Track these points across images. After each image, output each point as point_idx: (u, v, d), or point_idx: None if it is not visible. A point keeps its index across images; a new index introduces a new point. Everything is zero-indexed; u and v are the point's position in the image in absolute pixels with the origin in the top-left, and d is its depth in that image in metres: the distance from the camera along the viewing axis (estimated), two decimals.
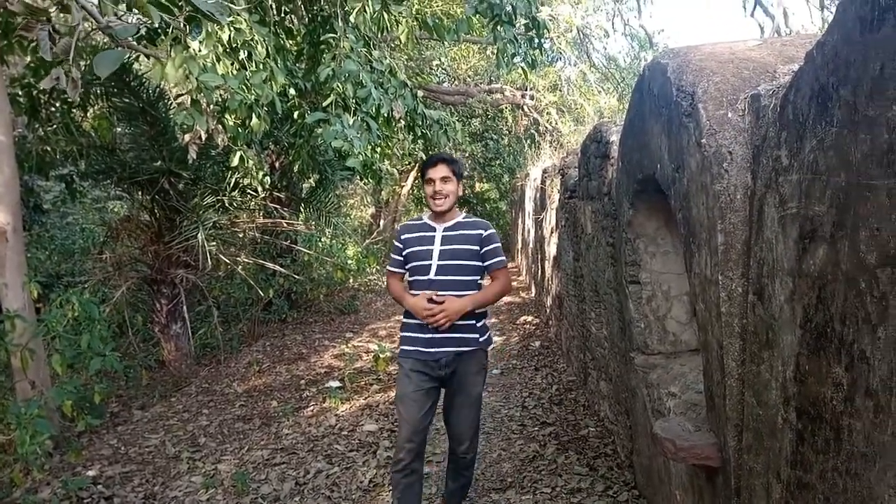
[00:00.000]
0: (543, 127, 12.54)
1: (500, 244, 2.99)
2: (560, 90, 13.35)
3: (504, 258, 2.99)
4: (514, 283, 11.36)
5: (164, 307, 6.75)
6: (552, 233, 7.00)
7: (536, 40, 5.21)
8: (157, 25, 2.75)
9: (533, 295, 9.60)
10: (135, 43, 3.66)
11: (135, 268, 6.92)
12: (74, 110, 5.86)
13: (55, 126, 5.80)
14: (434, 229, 2.96)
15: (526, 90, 12.58)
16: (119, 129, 6.90)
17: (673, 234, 3.02)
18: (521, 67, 5.59)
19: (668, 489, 2.70)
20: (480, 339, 2.95)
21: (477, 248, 2.91)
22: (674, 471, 2.58)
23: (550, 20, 10.14)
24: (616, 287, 3.56)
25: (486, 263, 2.94)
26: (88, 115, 6.54)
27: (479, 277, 2.96)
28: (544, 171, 7.84)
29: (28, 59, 5.13)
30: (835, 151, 1.32)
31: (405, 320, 3.01)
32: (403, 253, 3.01)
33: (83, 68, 4.50)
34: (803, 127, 1.46)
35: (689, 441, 2.02)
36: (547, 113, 12.50)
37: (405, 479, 2.86)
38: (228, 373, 6.72)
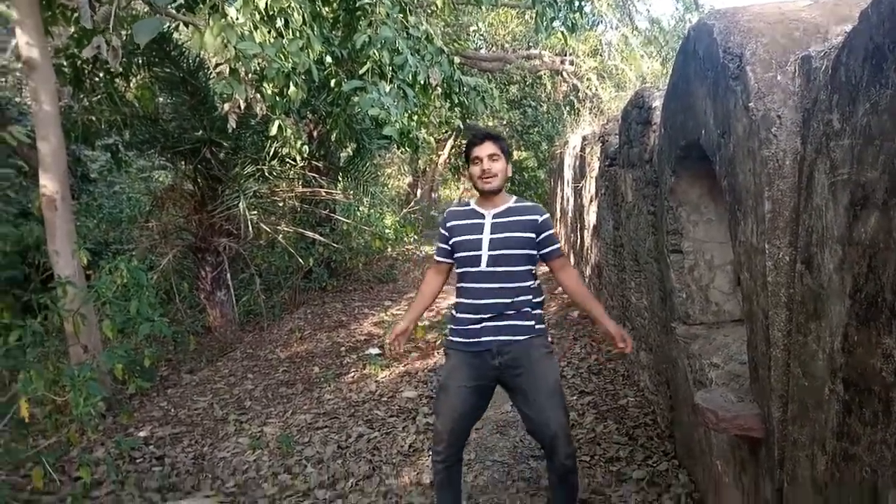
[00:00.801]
0: (583, 93, 12.26)
1: (555, 230, 2.71)
2: (601, 55, 13.01)
3: (561, 245, 2.76)
4: None
5: (208, 275, 6.93)
6: (591, 201, 6.90)
7: (576, 3, 5.07)
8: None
9: (572, 264, 9.51)
10: (174, 11, 3.69)
11: (180, 236, 7.10)
12: (117, 80, 5.98)
13: (99, 96, 5.93)
14: (483, 216, 2.68)
15: (565, 55, 12.30)
16: (161, 99, 7.02)
17: (717, 202, 2.94)
18: (561, 31, 5.44)
19: (709, 460, 2.68)
20: (537, 326, 2.64)
21: (532, 235, 2.63)
22: (715, 441, 2.56)
23: None
24: (657, 256, 3.49)
25: (544, 251, 2.67)
26: (131, 85, 6.67)
27: (533, 267, 2.69)
28: (584, 139, 7.69)
29: (72, 29, 5.24)
30: (889, 115, 1.26)
31: (456, 314, 2.71)
32: (450, 241, 2.72)
33: (124, 37, 4.57)
34: (856, 90, 1.39)
35: (732, 412, 1.99)
36: (587, 79, 12.21)
37: (444, 469, 2.69)
38: (271, 339, 6.89)
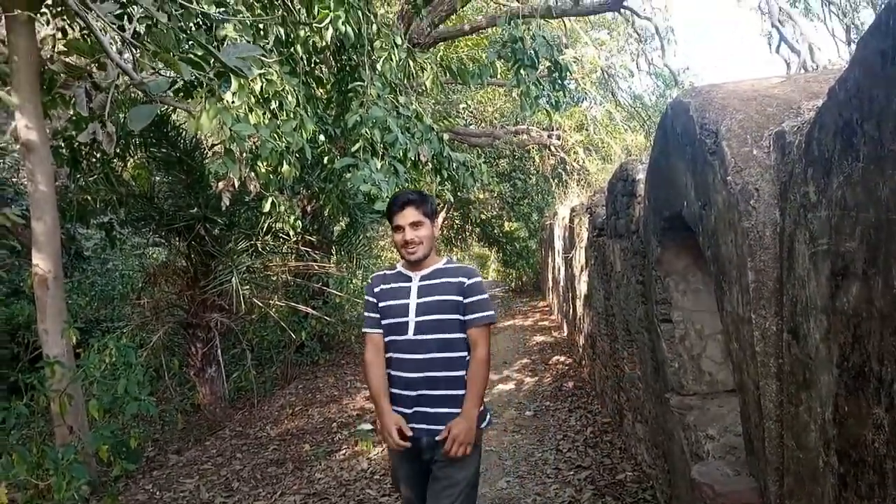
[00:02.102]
0: (570, 166, 12.58)
1: (486, 296, 2.46)
2: (586, 129, 13.43)
3: (491, 314, 2.44)
4: (546, 323, 11.25)
5: (199, 350, 6.85)
6: (582, 271, 6.95)
7: (559, 82, 5.29)
8: (189, 80, 2.87)
9: (565, 334, 9.49)
10: (171, 95, 3.83)
11: (171, 312, 7.06)
12: (114, 161, 6.09)
13: (96, 176, 6.03)
14: (409, 279, 2.50)
15: (552, 130, 12.69)
16: (157, 178, 7.14)
17: (703, 272, 2.98)
18: (546, 109, 5.66)
19: None
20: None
21: (459, 298, 2.41)
22: None
23: (574, 62, 10.29)
24: (648, 326, 3.50)
25: (465, 318, 2.40)
26: (128, 164, 6.80)
27: (464, 335, 2.44)
28: (572, 210, 7.83)
29: (70, 112, 5.39)
30: (862, 187, 1.31)
31: (391, 389, 2.49)
32: (379, 307, 2.52)
33: (121, 121, 4.70)
34: (829, 163, 1.45)
35: (729, 486, 1.96)
36: (574, 152, 12.56)
37: None
38: (262, 416, 6.74)
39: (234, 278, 6.38)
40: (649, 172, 3.07)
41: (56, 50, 4.95)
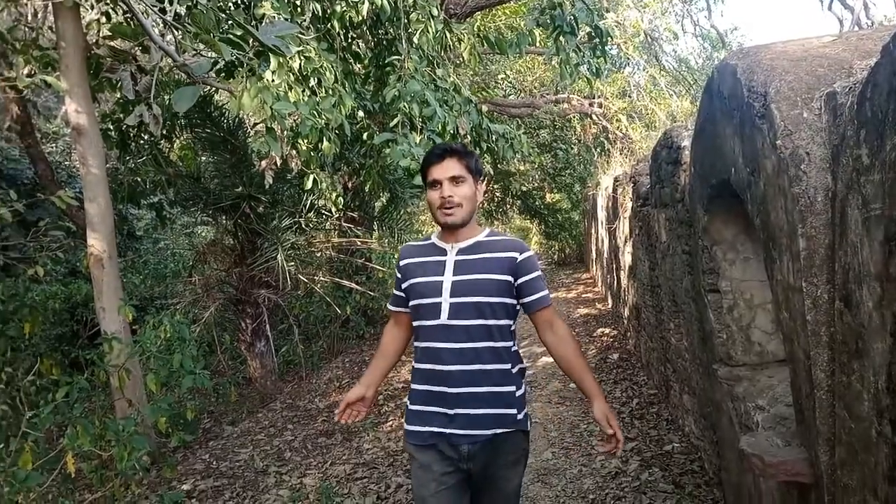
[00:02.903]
0: (613, 134, 12.31)
1: (541, 273, 2.08)
2: (629, 96, 13.08)
3: (548, 293, 2.09)
4: (589, 295, 11.16)
5: (248, 326, 7.04)
6: (626, 242, 6.85)
7: (601, 48, 5.15)
8: (229, 60, 2.91)
9: (609, 306, 9.40)
10: (213, 75, 3.88)
11: (221, 289, 7.26)
12: (161, 142, 6.25)
13: (144, 158, 6.20)
14: (445, 252, 2.09)
15: (594, 98, 12.41)
16: (203, 158, 7.30)
17: (753, 240, 2.90)
18: (587, 77, 5.53)
19: None
20: (519, 417, 2.04)
21: (508, 278, 2.01)
22: (764, 488, 2.46)
23: (616, 26, 9.99)
24: (694, 296, 3.44)
25: (526, 299, 2.05)
26: (175, 146, 6.96)
27: (511, 323, 2.06)
28: (615, 180, 7.69)
29: (117, 95, 5.54)
30: None
31: (413, 385, 2.12)
32: (404, 285, 2.14)
33: (166, 103, 4.80)
34: (883, 124, 1.38)
35: (779, 457, 1.93)
36: (616, 120, 12.26)
37: None
38: (310, 388, 6.92)
39: (279, 255, 6.50)
40: (695, 139, 2.99)
41: (101, 35, 5.07)
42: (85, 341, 6.26)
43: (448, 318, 2.00)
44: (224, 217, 7.18)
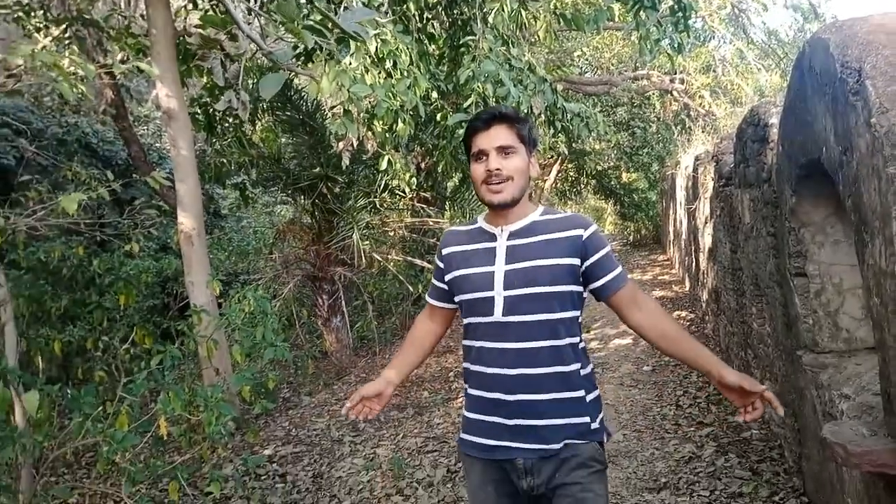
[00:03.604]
0: (695, 111, 11.83)
1: (610, 248, 1.78)
2: (713, 71, 12.51)
3: (623, 269, 1.78)
4: (666, 277, 10.86)
5: (325, 302, 7.29)
6: (706, 223, 6.62)
7: (683, 23, 4.96)
8: (311, 47, 3.00)
9: (687, 289, 9.13)
10: (295, 61, 4.01)
11: (299, 266, 7.54)
12: (245, 125, 6.51)
13: (229, 140, 6.48)
14: (494, 237, 1.78)
15: (675, 74, 11.94)
16: (283, 140, 7.56)
17: (844, 222, 2.76)
18: (668, 52, 5.33)
19: (841, 498, 2.48)
20: (593, 425, 1.73)
21: (573, 261, 1.71)
22: (847, 478, 2.37)
23: None
24: (779, 280, 3.31)
25: (598, 283, 1.74)
26: (256, 128, 7.24)
27: (578, 314, 1.76)
28: (696, 158, 7.42)
29: (203, 80, 5.80)
30: None
31: (468, 389, 1.85)
32: (447, 277, 1.85)
33: (249, 87, 5.00)
34: None
35: (864, 446, 1.85)
36: (699, 96, 11.77)
37: None
38: (383, 363, 7.11)
39: (354, 234, 6.68)
40: (784, 116, 2.85)
41: (189, 23, 5.33)
42: (175, 313, 6.65)
43: (503, 315, 1.70)
44: (302, 197, 7.43)
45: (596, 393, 1.79)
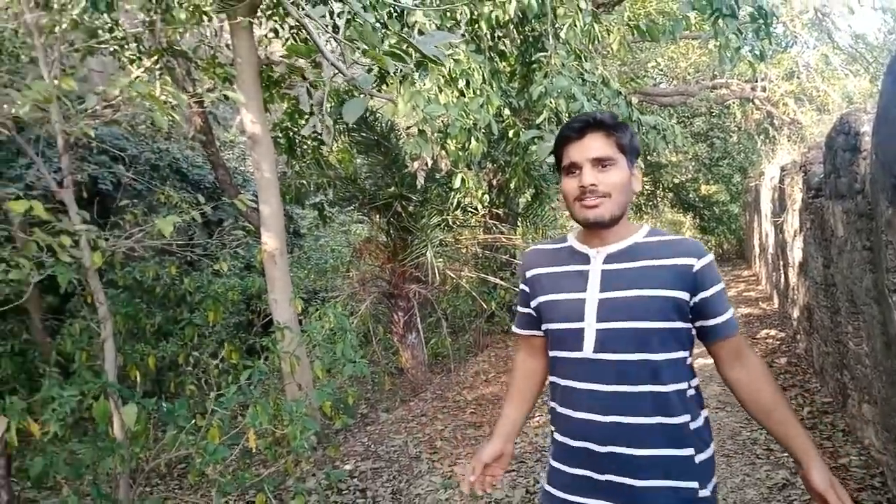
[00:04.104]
0: (779, 119, 11.32)
1: (723, 285, 1.52)
2: (797, 77, 11.96)
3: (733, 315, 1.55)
4: (752, 293, 10.39)
5: (400, 319, 7.40)
6: (795, 236, 6.31)
7: (764, 30, 4.78)
8: (392, 72, 3.10)
9: (775, 305, 8.69)
10: (373, 88, 4.14)
11: (375, 284, 7.69)
12: (323, 147, 6.75)
13: (308, 162, 6.73)
14: (587, 259, 1.55)
15: (756, 81, 11.49)
16: (358, 161, 7.77)
17: None
18: (749, 60, 5.14)
19: None
20: (703, 492, 1.46)
21: (680, 295, 1.46)
22: None
23: (782, 3, 9.18)
24: (876, 297, 3.11)
25: (705, 324, 1.50)
26: (333, 149, 7.48)
27: (686, 354, 1.51)
28: (782, 169, 7.10)
29: (284, 105, 6.06)
30: None
31: (553, 433, 1.62)
32: (533, 303, 1.64)
33: (328, 110, 5.19)
34: None
35: None
36: (783, 104, 11.26)
37: None
38: (458, 381, 7.13)
39: (428, 251, 6.76)
40: (877, 123, 2.70)
41: (269, 50, 5.59)
42: (259, 329, 6.91)
43: (594, 352, 1.47)
44: (378, 215, 7.59)
45: (709, 452, 1.51)
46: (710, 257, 1.51)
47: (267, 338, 4.70)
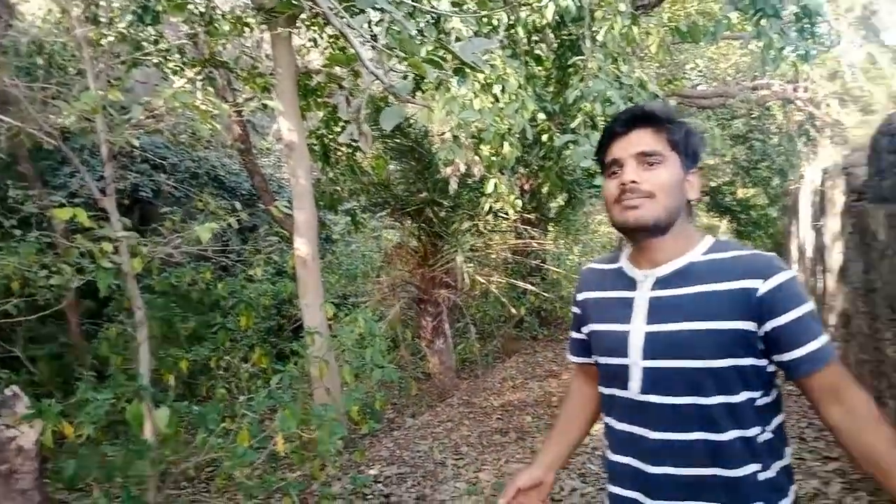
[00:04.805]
0: (821, 121, 11.01)
1: (812, 306, 1.24)
2: (841, 77, 11.61)
3: (828, 340, 1.24)
4: None
5: (429, 324, 7.38)
6: (835, 241, 6.11)
7: (809, 30, 4.63)
8: (430, 80, 3.08)
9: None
10: (410, 96, 4.12)
11: (405, 289, 7.69)
12: (357, 153, 6.79)
13: (342, 168, 6.77)
14: (633, 284, 1.33)
15: (798, 82, 11.19)
16: (391, 167, 7.78)
17: None
18: (792, 61, 4.98)
19: None
20: None
21: (743, 325, 1.20)
22: None
23: (827, 1, 8.93)
24: None
25: (786, 357, 1.21)
26: (367, 155, 7.51)
27: (756, 395, 1.24)
28: (824, 172, 6.89)
29: (320, 114, 6.10)
30: None
31: (608, 454, 1.41)
32: (584, 330, 1.46)
33: (365, 118, 5.21)
34: None
35: None
36: (826, 105, 10.95)
37: None
38: (485, 387, 7.07)
39: (458, 257, 6.73)
40: None
41: (307, 59, 5.64)
42: (289, 333, 6.96)
43: (640, 392, 1.27)
44: (409, 221, 7.60)
45: (781, 463, 1.27)
46: (785, 276, 1.22)
47: (297, 342, 4.73)
